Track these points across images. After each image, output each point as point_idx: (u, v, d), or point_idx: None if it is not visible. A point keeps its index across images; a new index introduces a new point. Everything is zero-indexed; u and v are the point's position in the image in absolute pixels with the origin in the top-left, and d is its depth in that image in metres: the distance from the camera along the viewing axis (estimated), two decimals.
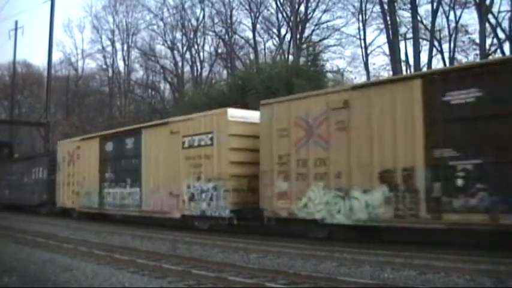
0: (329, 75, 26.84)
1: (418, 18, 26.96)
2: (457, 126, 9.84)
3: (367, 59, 32.92)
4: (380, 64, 34.08)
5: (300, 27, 34.93)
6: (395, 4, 27.99)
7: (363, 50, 33.06)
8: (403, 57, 29.21)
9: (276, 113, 13.06)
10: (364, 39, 32.99)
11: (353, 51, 38.19)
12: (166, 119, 18.52)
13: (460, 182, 9.69)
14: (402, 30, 29.49)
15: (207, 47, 42.27)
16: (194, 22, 41.15)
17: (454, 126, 9.87)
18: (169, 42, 43.04)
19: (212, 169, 14.49)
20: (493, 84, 9.47)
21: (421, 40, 27.38)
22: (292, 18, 33.73)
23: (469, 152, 9.60)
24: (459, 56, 28.51)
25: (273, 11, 37.66)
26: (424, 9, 28.61)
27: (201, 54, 42.08)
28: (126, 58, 46.49)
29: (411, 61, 28.16)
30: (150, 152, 16.98)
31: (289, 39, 35.81)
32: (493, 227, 9.28)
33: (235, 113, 14.48)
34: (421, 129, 10.29)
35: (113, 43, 46.75)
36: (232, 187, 13.96)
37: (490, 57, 25.00)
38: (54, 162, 23.35)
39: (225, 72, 41.50)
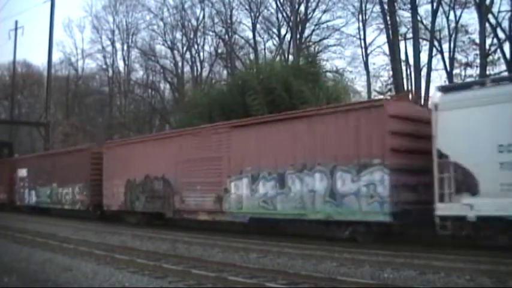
0: (328, 75, 26.84)
1: (418, 18, 26.91)
2: None
3: (367, 59, 32.88)
4: (380, 64, 33.87)
5: (300, 27, 34.88)
6: (395, 4, 27.93)
7: (363, 50, 33.01)
8: (403, 57, 29.20)
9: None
10: (364, 39, 32.96)
11: (353, 51, 38.06)
12: None
13: None
14: (402, 30, 29.45)
15: (207, 47, 42.22)
16: (194, 22, 41.08)
17: None
18: (169, 42, 42.99)
19: None
20: None
21: (421, 40, 27.32)
22: (292, 18, 33.68)
23: None
24: (459, 56, 28.51)
25: (273, 11, 37.63)
26: (424, 9, 28.56)
27: (201, 54, 42.03)
28: (126, 58, 46.41)
29: (411, 61, 28.18)
30: None
31: (289, 39, 35.80)
32: None
33: None
34: None
35: (113, 43, 46.67)
36: None
37: (490, 57, 25.04)
38: None
39: (225, 72, 41.46)
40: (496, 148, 9.15)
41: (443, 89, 10.58)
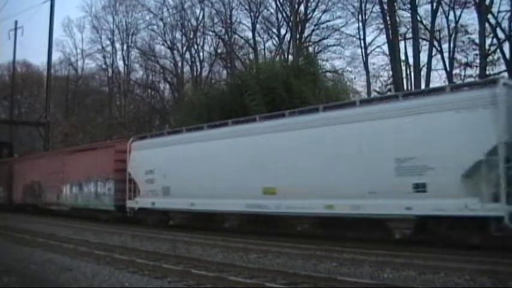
0: (328, 75, 26.86)
1: (418, 18, 26.97)
2: None
3: (366, 59, 32.92)
4: (380, 64, 33.93)
5: (299, 27, 34.93)
6: (395, 4, 27.99)
7: (363, 50, 33.06)
8: (402, 57, 29.24)
9: None
10: (364, 39, 33.01)
11: (353, 51, 38.12)
12: None
13: None
14: (402, 30, 29.53)
15: (206, 47, 42.27)
16: (194, 22, 41.17)
17: None
18: (169, 42, 43.04)
19: None
20: None
21: (420, 40, 27.36)
22: (292, 18, 33.72)
23: None
24: (459, 56, 28.53)
25: (272, 11, 37.70)
26: (424, 9, 28.61)
27: (201, 54, 42.10)
28: (125, 58, 46.48)
29: (411, 61, 28.20)
30: None
31: (288, 39, 35.83)
32: None
33: None
34: None
35: (112, 43, 46.71)
36: None
37: (490, 57, 25.05)
38: None
39: (224, 72, 41.49)
40: (144, 172, 16.67)
41: (136, 137, 18.37)
